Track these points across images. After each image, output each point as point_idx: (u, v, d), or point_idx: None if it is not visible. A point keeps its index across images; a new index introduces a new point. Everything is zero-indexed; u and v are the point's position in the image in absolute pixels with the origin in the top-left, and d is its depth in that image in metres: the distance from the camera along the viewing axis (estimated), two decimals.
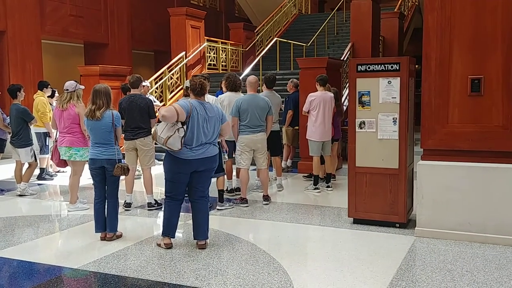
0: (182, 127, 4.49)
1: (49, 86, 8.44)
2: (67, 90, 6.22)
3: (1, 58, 11.82)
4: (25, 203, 6.93)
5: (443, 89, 4.85)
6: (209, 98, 6.11)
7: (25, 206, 6.81)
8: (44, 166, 8.53)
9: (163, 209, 4.93)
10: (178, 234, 5.12)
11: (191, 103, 4.57)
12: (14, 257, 4.61)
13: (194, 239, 4.78)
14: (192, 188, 4.73)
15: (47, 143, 8.25)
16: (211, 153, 4.67)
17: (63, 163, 6.47)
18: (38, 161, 7.70)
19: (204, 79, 4.71)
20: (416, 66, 5.67)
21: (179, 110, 4.47)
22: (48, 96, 8.61)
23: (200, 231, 4.74)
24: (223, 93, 7.02)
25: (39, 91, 8.30)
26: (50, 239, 5.32)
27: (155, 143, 4.86)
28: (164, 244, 4.72)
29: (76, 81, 6.49)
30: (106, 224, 5.04)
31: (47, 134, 8.19)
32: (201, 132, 4.55)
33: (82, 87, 6.45)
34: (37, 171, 8.65)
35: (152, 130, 5.64)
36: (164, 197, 4.81)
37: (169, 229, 4.74)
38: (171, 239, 4.77)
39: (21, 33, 11.99)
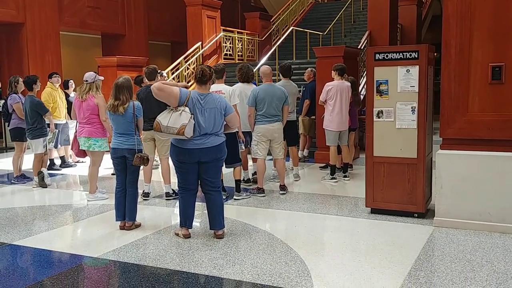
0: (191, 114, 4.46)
1: (54, 75, 8.50)
2: (87, 81, 6.27)
3: (20, 50, 11.98)
4: (45, 193, 7.04)
5: (463, 77, 4.77)
6: (225, 88, 6.12)
7: (45, 196, 6.92)
8: (53, 157, 8.62)
9: (178, 202, 4.95)
10: (196, 224, 5.16)
11: (191, 93, 4.57)
12: (35, 246, 4.69)
13: (211, 229, 4.81)
14: (202, 179, 4.72)
15: (57, 135, 8.30)
16: (212, 143, 4.60)
17: (82, 153, 6.54)
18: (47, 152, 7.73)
19: (207, 67, 4.67)
20: (435, 54, 5.58)
21: (175, 91, 4.47)
22: (65, 88, 8.71)
23: (216, 221, 4.76)
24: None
25: (48, 82, 8.41)
26: (69, 229, 5.41)
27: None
28: (182, 234, 4.76)
29: (95, 72, 6.54)
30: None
31: (56, 126, 8.23)
32: (197, 124, 4.50)
33: (101, 78, 6.49)
34: (58, 161, 8.81)
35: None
36: (178, 188, 4.85)
37: (185, 219, 4.77)
38: (189, 229, 4.81)
39: (40, 25, 12.12)
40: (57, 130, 8.24)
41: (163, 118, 4.48)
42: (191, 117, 4.43)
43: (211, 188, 4.73)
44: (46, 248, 4.65)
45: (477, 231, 4.73)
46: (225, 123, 4.74)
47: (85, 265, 4.28)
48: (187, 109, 4.46)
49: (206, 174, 4.69)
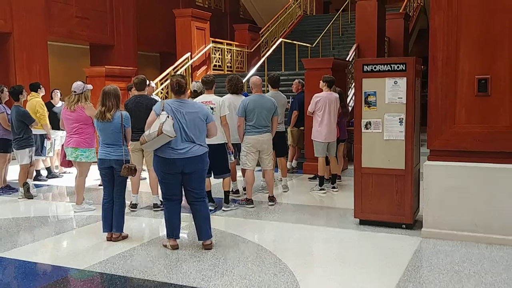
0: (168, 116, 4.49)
1: (41, 86, 8.41)
2: (75, 92, 6.23)
3: (7, 60, 11.87)
4: (31, 204, 6.94)
5: (450, 89, 4.82)
6: (215, 99, 6.11)
7: (31, 208, 6.82)
8: (40, 168, 8.51)
9: (163, 213, 4.90)
10: (184, 235, 5.12)
11: (165, 101, 4.63)
12: (20, 258, 4.61)
13: (199, 240, 4.78)
14: (186, 190, 4.72)
15: (44, 145, 8.20)
16: (195, 153, 4.58)
17: (67, 163, 6.47)
18: (32, 163, 7.60)
19: (181, 77, 4.71)
20: (422, 66, 5.65)
21: (151, 117, 4.58)
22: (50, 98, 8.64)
23: (203, 232, 4.74)
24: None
25: (33, 92, 8.25)
26: (56, 240, 5.33)
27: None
28: (170, 245, 4.73)
29: (83, 82, 6.48)
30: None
31: (44, 136, 8.15)
32: (179, 128, 4.51)
33: (90, 86, 6.43)
34: (44, 172, 8.71)
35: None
36: (162, 199, 4.83)
37: (172, 230, 4.74)
38: (176, 240, 4.77)
39: (27, 34, 12.04)
40: (54, 139, 8.18)
41: (146, 131, 4.54)
42: (167, 116, 4.45)
43: (195, 198, 4.72)
44: (31, 260, 4.57)
45: (465, 242, 4.75)
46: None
47: (71, 277, 4.21)
48: (163, 112, 4.50)
49: (190, 185, 4.68)
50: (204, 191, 4.85)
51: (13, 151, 7.37)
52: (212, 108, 6.00)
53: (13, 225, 5.84)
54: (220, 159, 6.11)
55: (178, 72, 12.57)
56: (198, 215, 4.74)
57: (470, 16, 4.72)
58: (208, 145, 5.78)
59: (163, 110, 4.52)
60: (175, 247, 4.71)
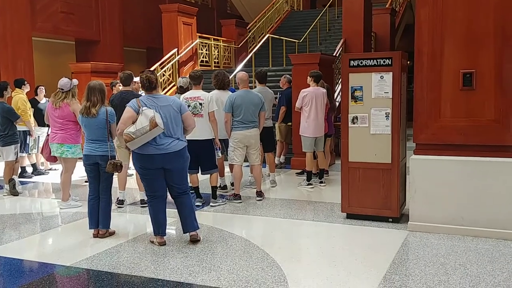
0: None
1: (26, 83, 8.31)
2: (62, 89, 6.16)
3: None
4: (16, 201, 6.87)
5: (435, 83, 4.86)
6: (204, 94, 6.08)
7: (16, 204, 6.75)
8: (25, 165, 8.43)
9: (148, 210, 4.86)
10: (171, 231, 5.10)
11: (139, 99, 4.59)
12: (5, 255, 4.56)
13: (184, 232, 4.79)
14: (169, 185, 4.72)
15: (27, 142, 8.11)
16: (174, 148, 4.56)
17: (53, 158, 6.41)
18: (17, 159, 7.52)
19: (151, 73, 4.65)
20: (408, 62, 5.67)
21: (128, 113, 4.47)
22: (35, 95, 8.54)
23: (188, 223, 4.75)
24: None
25: (17, 89, 8.15)
26: (42, 237, 5.28)
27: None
28: (158, 242, 4.71)
29: (69, 78, 6.41)
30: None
31: (27, 133, 8.06)
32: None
33: (76, 82, 6.37)
34: (29, 169, 8.62)
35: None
36: (146, 197, 4.82)
37: (158, 227, 4.72)
38: (163, 237, 4.75)
39: (11, 31, 11.85)
40: (37, 136, 8.09)
41: (130, 128, 4.40)
42: (154, 110, 4.43)
43: (178, 193, 4.75)
44: (16, 257, 4.53)
45: (451, 235, 4.80)
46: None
47: (57, 274, 4.18)
48: (145, 107, 4.45)
49: (172, 180, 4.69)
50: (187, 184, 4.86)
51: None
52: (200, 104, 5.98)
53: None
54: (207, 155, 6.09)
55: (165, 68, 12.51)
56: (183, 207, 4.75)
57: (455, 11, 4.75)
58: (195, 140, 5.79)
59: (142, 106, 4.46)
60: (162, 244, 4.69)
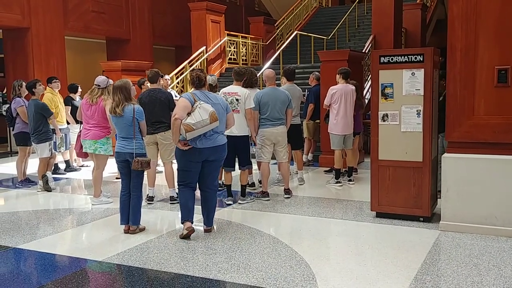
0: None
1: (54, 81, 8.41)
2: (99, 86, 6.29)
3: (25, 55, 12.01)
4: (50, 197, 7.04)
5: (469, 80, 4.74)
6: (242, 90, 6.07)
7: (49, 200, 6.91)
8: (57, 162, 8.57)
9: (178, 197, 5.12)
10: (200, 227, 5.14)
11: (193, 93, 4.84)
12: (39, 250, 4.68)
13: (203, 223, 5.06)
14: (202, 178, 4.94)
15: (54, 140, 8.24)
16: (220, 142, 4.87)
17: (84, 154, 6.51)
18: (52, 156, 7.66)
19: (200, 71, 4.91)
20: (440, 58, 5.56)
21: (185, 103, 4.68)
22: (73, 92, 8.72)
23: (210, 218, 5.05)
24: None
25: (47, 87, 8.31)
26: (74, 232, 5.40)
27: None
28: (186, 228, 4.81)
29: (107, 77, 6.53)
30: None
31: (53, 131, 8.18)
32: None
33: (111, 81, 6.47)
34: (62, 165, 8.81)
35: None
36: (177, 186, 5.00)
37: (187, 212, 4.88)
38: (192, 224, 4.88)
39: (44, 30, 12.16)
40: (63, 134, 8.24)
41: (189, 120, 4.61)
42: (211, 105, 4.70)
43: (209, 187, 4.98)
44: (50, 252, 4.64)
45: (484, 235, 4.69)
46: None
47: (89, 269, 4.26)
48: (202, 102, 4.70)
49: (209, 172, 4.94)
50: (217, 180, 5.13)
51: (31, 145, 7.46)
52: (237, 100, 6.01)
53: (33, 217, 5.93)
54: (244, 150, 6.16)
55: (194, 66, 12.60)
56: (209, 203, 5.01)
57: (490, 5, 4.63)
58: (232, 136, 5.83)
59: (198, 100, 4.69)
60: (190, 229, 4.81)
